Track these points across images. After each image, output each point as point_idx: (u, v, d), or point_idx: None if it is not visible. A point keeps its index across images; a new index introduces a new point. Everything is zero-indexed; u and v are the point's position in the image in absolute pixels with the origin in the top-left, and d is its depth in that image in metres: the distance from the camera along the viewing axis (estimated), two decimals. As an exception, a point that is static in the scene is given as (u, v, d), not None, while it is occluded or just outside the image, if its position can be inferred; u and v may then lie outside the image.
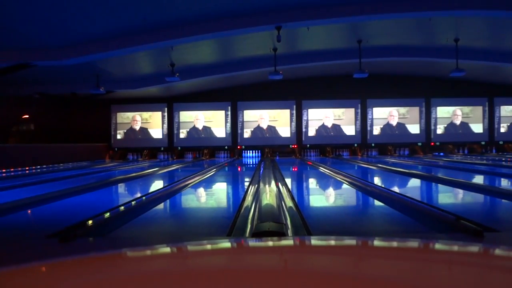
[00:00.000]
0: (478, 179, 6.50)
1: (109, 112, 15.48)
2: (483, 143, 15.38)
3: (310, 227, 2.71)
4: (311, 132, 15.40)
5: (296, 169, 9.47)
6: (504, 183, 6.16)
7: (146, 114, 15.60)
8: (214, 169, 8.89)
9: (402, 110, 15.45)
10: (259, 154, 15.12)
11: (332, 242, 1.70)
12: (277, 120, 15.40)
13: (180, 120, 15.52)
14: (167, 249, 1.64)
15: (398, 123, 15.43)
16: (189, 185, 5.84)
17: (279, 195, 4.10)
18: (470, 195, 4.77)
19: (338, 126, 15.39)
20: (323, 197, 5.15)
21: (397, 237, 2.58)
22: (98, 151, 14.88)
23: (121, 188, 6.19)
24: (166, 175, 8.40)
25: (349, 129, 15.39)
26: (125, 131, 15.56)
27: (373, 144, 15.38)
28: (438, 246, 1.57)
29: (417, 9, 7.45)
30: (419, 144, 15.38)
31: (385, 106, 15.45)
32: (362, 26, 8.94)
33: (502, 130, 15.45)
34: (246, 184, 6.13)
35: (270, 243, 1.66)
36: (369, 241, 1.69)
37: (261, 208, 3.22)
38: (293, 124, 15.35)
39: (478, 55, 11.01)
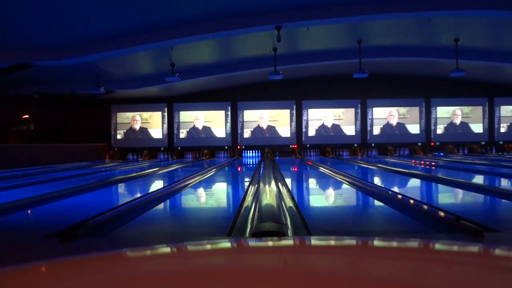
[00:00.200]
0: (478, 179, 6.50)
1: (109, 112, 15.48)
2: (483, 143, 15.38)
3: (310, 227, 2.71)
4: (311, 132, 15.40)
5: (296, 169, 9.47)
6: (504, 183, 6.15)
7: (146, 114, 15.60)
8: (214, 169, 8.88)
9: (402, 110, 15.45)
10: (259, 154, 15.11)
11: (332, 242, 1.70)
12: (277, 120, 15.40)
13: (180, 120, 15.51)
14: (167, 249, 1.64)
15: (398, 123, 15.42)
16: (189, 185, 5.84)
17: (279, 195, 4.10)
18: (470, 195, 4.77)
19: (338, 126, 15.38)
20: (323, 197, 5.15)
21: (397, 237, 2.58)
22: (98, 151, 14.87)
23: (121, 188, 6.19)
24: (166, 175, 8.40)
25: (349, 129, 15.39)
26: (125, 131, 15.56)
27: (373, 144, 15.38)
28: (438, 246, 1.57)
29: (417, 9, 7.45)
30: (419, 144, 15.38)
31: (385, 106, 15.44)
32: (362, 26, 8.95)
33: (502, 130, 15.45)
34: (246, 184, 6.13)
35: (270, 243, 1.66)
36: (369, 241, 1.70)
37: (261, 208, 3.22)
38: (293, 124, 15.34)
39: (478, 55, 11.00)
